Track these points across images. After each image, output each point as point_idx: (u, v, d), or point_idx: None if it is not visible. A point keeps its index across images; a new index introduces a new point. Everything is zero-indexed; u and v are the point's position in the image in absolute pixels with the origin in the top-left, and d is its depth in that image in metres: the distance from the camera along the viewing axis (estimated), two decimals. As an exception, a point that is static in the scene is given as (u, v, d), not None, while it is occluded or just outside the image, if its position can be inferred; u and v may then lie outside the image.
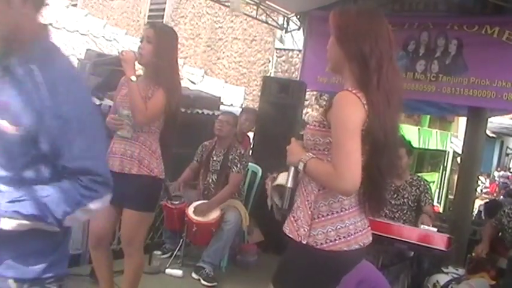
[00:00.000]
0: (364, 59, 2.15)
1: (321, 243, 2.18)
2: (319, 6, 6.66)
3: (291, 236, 2.25)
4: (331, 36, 2.26)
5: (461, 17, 5.80)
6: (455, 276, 4.58)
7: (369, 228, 2.33)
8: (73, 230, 5.12)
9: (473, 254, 5.03)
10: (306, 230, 2.20)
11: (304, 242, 2.20)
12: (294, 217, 2.26)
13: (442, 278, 4.57)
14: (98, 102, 6.10)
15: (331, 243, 2.18)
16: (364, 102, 2.10)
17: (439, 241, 4.16)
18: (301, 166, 2.19)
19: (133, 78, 3.40)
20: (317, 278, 2.23)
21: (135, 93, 3.39)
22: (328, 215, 2.20)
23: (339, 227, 2.20)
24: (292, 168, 2.27)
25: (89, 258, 4.74)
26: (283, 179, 2.32)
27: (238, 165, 5.27)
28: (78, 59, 7.06)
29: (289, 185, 2.29)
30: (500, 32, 5.35)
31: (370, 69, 2.14)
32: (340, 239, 2.19)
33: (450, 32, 5.66)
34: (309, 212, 2.21)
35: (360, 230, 2.25)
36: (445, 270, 4.66)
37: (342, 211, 2.21)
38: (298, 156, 2.22)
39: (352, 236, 2.22)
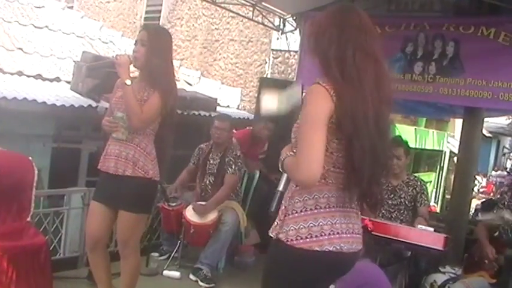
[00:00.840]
0: (325, 49, 2.15)
1: (291, 239, 2.14)
2: (315, 7, 6.65)
3: (270, 234, 2.24)
4: None
5: (457, 17, 5.80)
6: (452, 275, 4.59)
7: (356, 235, 2.24)
8: (70, 234, 5.17)
9: (486, 262, 4.94)
10: (278, 223, 2.18)
11: (275, 236, 2.18)
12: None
13: (440, 278, 4.58)
14: (94, 104, 6.13)
15: (301, 241, 2.13)
16: (332, 93, 2.07)
17: (436, 241, 4.16)
18: (280, 165, 2.22)
19: (128, 82, 3.40)
20: (290, 276, 2.19)
21: (130, 97, 3.39)
22: (301, 211, 2.15)
23: (311, 225, 2.13)
24: (286, 178, 2.27)
25: (86, 261, 4.74)
26: (282, 180, 2.28)
27: (234, 167, 5.27)
28: (74, 61, 7.08)
29: (280, 188, 2.26)
30: (496, 34, 5.35)
31: (331, 57, 2.13)
32: (311, 237, 2.13)
33: (447, 34, 5.66)
34: (283, 208, 2.19)
35: (338, 233, 2.16)
36: (442, 269, 4.66)
37: (316, 209, 2.15)
38: (281, 157, 2.24)
39: (326, 237, 2.14)
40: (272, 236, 2.20)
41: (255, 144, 6.05)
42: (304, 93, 2.19)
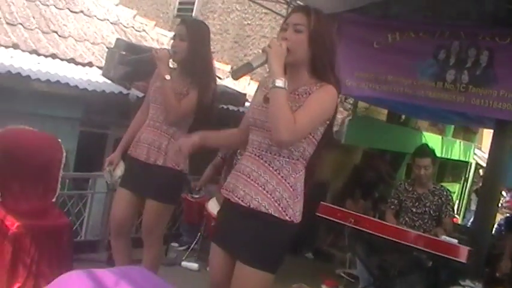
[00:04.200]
0: (332, 55, 2.47)
1: (297, 219, 2.44)
2: (350, 8, 6.61)
3: (275, 214, 2.39)
4: (300, 32, 2.39)
5: (494, 27, 5.71)
6: (472, 290, 4.53)
7: None
8: (92, 217, 5.21)
9: (497, 274, 4.94)
10: (292, 209, 2.41)
11: (291, 220, 2.41)
12: (273, 197, 2.39)
13: (459, 291, 4.52)
14: (125, 91, 6.17)
15: (298, 218, 2.46)
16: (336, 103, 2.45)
17: (459, 253, 4.12)
18: (279, 83, 2.26)
19: (168, 77, 3.41)
20: (285, 248, 2.52)
21: (169, 92, 3.41)
22: (300, 194, 2.46)
23: (301, 202, 2.48)
24: (264, 60, 2.33)
25: (107, 245, 4.79)
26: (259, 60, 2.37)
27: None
28: (107, 47, 7.13)
29: (254, 65, 2.36)
30: (532, 45, 5.27)
31: (334, 65, 2.47)
32: (300, 212, 2.48)
33: (482, 43, 5.57)
34: (294, 193, 2.42)
35: None
36: (462, 283, 4.59)
37: (303, 189, 2.47)
38: (280, 71, 2.30)
39: None
40: (292, 220, 2.42)
41: None
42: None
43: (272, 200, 2.38)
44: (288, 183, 2.40)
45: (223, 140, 2.92)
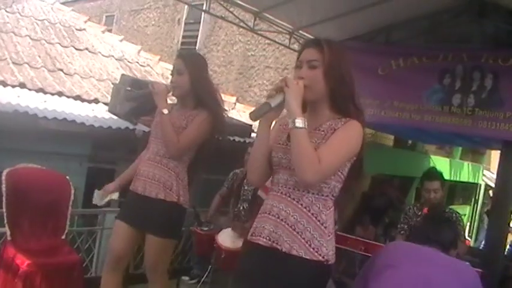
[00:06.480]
0: (351, 87, 2.40)
1: (331, 259, 2.33)
2: (351, 37, 6.67)
3: (307, 257, 2.27)
4: (315, 68, 2.35)
5: (496, 49, 5.75)
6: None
7: None
8: (102, 253, 5.16)
9: None
10: (326, 248, 2.31)
11: (324, 259, 2.29)
12: (304, 238, 2.28)
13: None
14: (131, 126, 6.21)
15: (332, 258, 2.35)
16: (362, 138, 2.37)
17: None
18: (299, 123, 2.21)
19: (165, 111, 3.39)
20: None
21: (167, 126, 3.38)
22: (332, 232, 2.35)
23: (334, 240, 2.37)
24: (281, 99, 2.28)
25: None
26: (277, 99, 2.31)
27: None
28: (113, 83, 7.20)
29: (272, 105, 2.30)
30: (536, 66, 5.29)
31: (355, 98, 2.41)
32: (333, 253, 2.36)
33: (485, 66, 5.60)
34: (326, 231, 2.32)
35: None
36: (475, 306, 4.53)
37: (334, 227, 2.38)
38: (299, 111, 2.24)
39: None
40: (327, 260, 2.31)
41: None
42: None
43: (303, 241, 2.28)
44: (319, 220, 2.30)
45: None
